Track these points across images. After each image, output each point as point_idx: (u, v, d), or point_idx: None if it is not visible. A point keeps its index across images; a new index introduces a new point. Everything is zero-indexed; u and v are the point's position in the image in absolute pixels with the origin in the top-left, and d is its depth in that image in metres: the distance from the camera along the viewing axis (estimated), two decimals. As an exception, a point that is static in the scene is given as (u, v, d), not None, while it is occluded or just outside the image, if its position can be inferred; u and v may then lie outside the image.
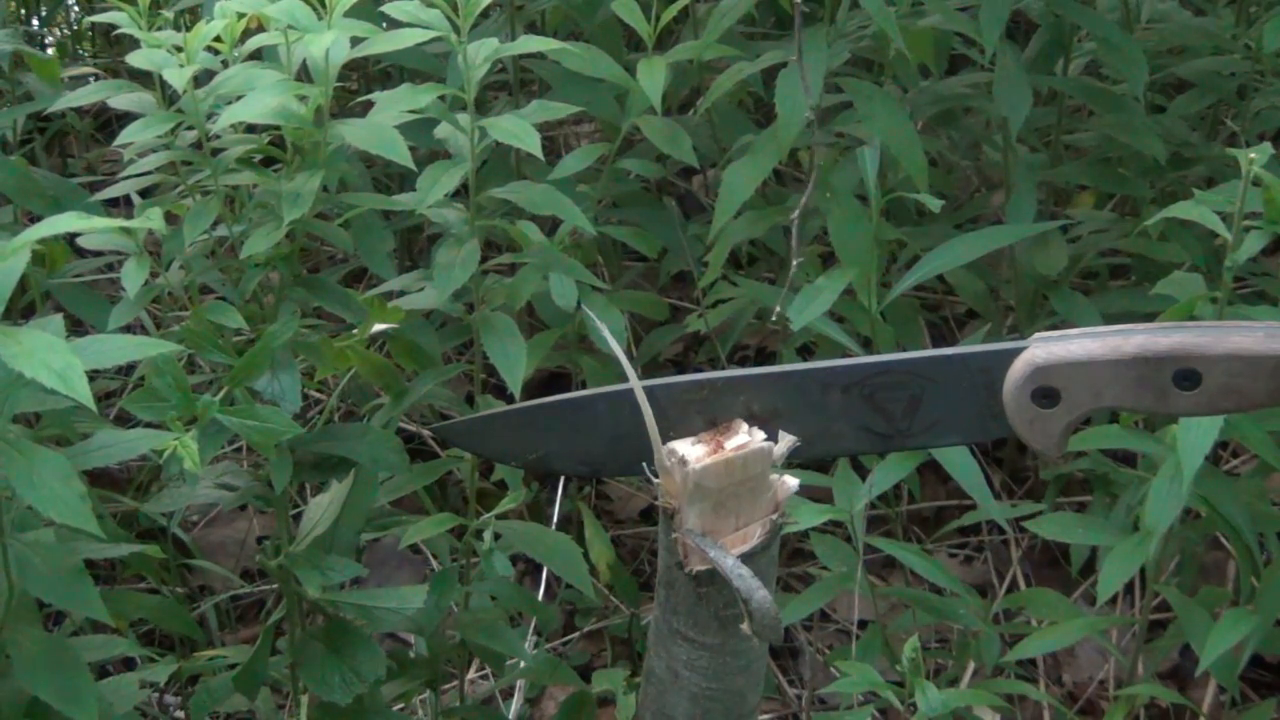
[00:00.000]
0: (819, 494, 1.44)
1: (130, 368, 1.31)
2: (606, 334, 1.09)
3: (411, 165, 1.13)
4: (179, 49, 1.13)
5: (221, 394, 1.05)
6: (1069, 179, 1.83)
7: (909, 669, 1.20)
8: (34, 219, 0.95)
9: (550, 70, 1.62)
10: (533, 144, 1.17)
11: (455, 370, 1.30)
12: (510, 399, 1.21)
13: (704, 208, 1.96)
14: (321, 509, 1.23)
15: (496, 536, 1.31)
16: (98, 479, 1.61)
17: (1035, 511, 1.49)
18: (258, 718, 1.48)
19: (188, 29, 1.14)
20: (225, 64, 1.15)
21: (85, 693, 0.97)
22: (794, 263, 1.52)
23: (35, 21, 2.08)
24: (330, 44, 1.10)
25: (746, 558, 1.06)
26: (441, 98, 1.18)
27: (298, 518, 1.25)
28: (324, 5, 1.13)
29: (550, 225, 1.34)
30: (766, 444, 1.06)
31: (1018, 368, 1.05)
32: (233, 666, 1.26)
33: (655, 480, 1.05)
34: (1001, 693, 1.40)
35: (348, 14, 1.13)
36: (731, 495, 1.06)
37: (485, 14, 1.30)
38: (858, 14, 1.61)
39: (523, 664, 1.43)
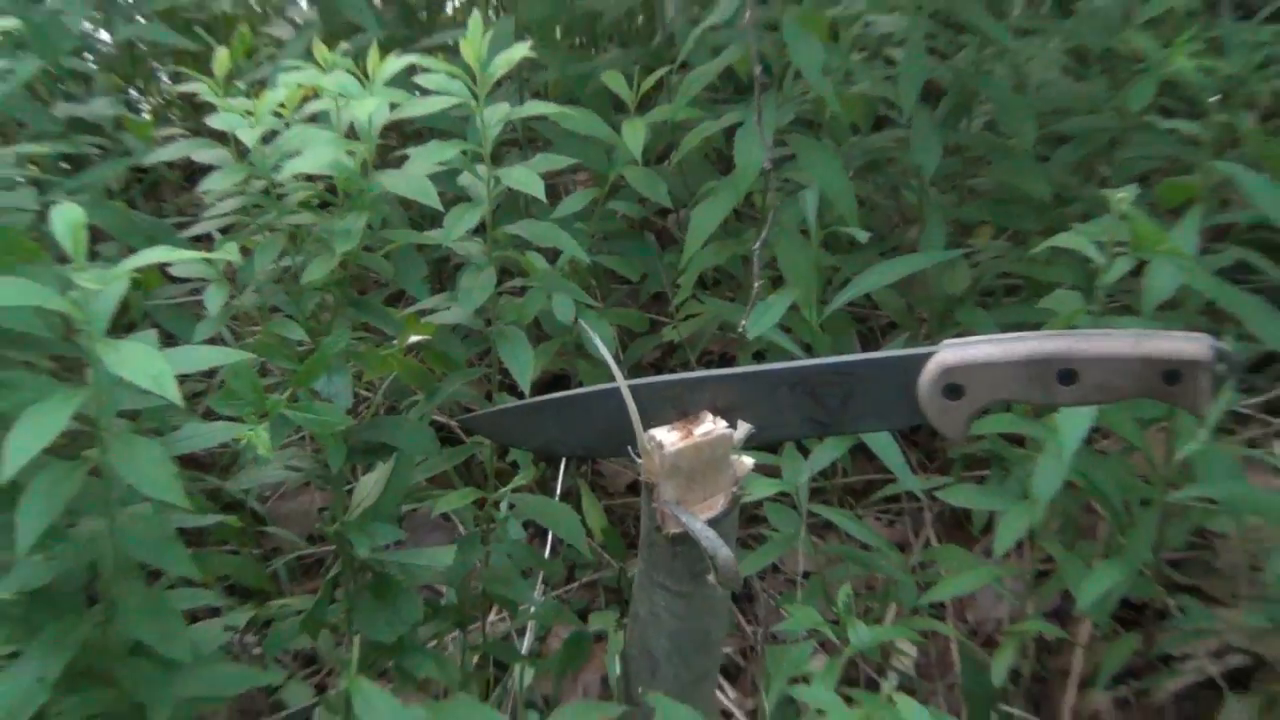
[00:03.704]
0: (770, 470, 1.44)
1: (213, 372, 1.31)
2: (598, 342, 1.09)
3: (440, 207, 1.13)
4: (249, 113, 1.13)
5: (288, 393, 1.05)
6: (972, 215, 1.83)
7: (843, 610, 1.20)
8: (133, 252, 0.94)
9: (552, 129, 1.63)
10: (538, 190, 1.17)
11: (476, 373, 1.30)
12: (521, 396, 1.21)
13: (677, 240, 1.96)
14: (369, 485, 1.23)
15: (511, 506, 1.31)
16: (187, 462, 1.61)
17: (945, 483, 1.49)
18: (319, 654, 1.48)
19: (256, 97, 1.14)
20: (287, 125, 1.15)
21: (179, 635, 0.97)
22: (755, 285, 1.52)
23: (133, 91, 2.08)
24: (373, 109, 1.10)
25: (712, 522, 1.06)
26: (464, 152, 1.18)
27: (350, 492, 1.25)
28: (367, 77, 1.13)
29: (553, 255, 1.34)
30: (728, 431, 1.06)
31: (930, 368, 1.05)
32: (299, 613, 1.26)
33: (638, 460, 1.05)
34: (918, 629, 1.40)
35: (387, 84, 1.13)
36: (700, 472, 1.06)
37: (499, 84, 1.29)
38: (800, 82, 1.61)
39: (533, 609, 1.43)
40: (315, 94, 1.15)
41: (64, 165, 1.60)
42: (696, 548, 1.05)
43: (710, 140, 1.68)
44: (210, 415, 1.07)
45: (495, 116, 1.17)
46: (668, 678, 1.17)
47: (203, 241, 1.41)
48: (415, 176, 1.13)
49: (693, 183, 1.76)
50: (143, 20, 1.71)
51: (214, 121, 1.14)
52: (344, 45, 1.25)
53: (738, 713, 1.55)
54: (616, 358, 1.14)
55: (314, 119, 1.16)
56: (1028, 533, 1.45)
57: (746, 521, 1.73)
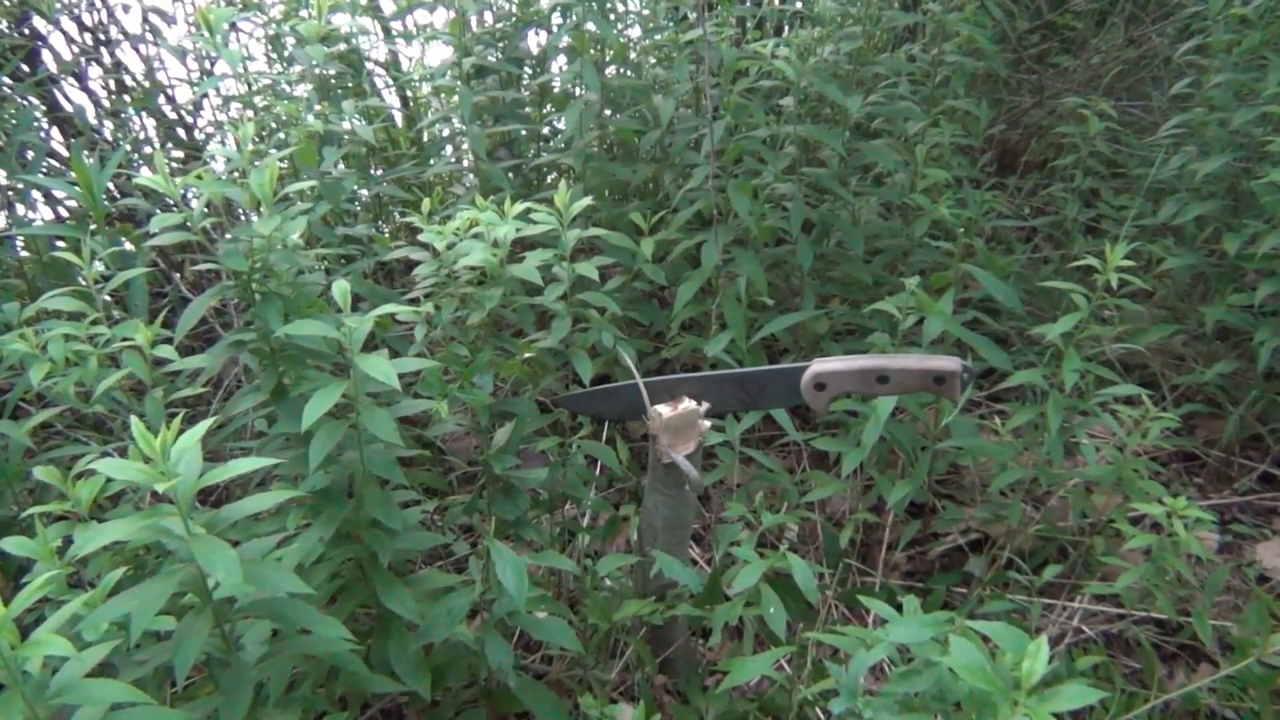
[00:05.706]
0: (718, 428, 1.43)
1: (418, 372, 1.30)
2: (626, 358, 1.08)
3: (542, 284, 1.13)
4: (440, 233, 1.12)
5: (458, 383, 1.04)
6: (829, 291, 1.82)
7: (759, 505, 1.19)
8: (376, 308, 0.94)
9: (603, 244, 1.62)
10: (594, 275, 1.17)
11: (560, 374, 1.29)
12: (584, 386, 1.20)
13: (670, 304, 1.95)
14: (502, 434, 1.22)
15: (577, 446, 1.30)
16: (404, 421, 1.59)
17: (814, 436, 1.48)
18: (473, 526, 1.46)
19: (444, 224, 1.13)
20: (460, 239, 1.15)
21: (396, 515, 0.96)
22: (713, 328, 1.51)
23: (378, 222, 2.07)
24: (506, 231, 1.10)
25: (689, 456, 1.04)
26: (555, 255, 1.17)
27: (491, 438, 1.24)
28: (504, 214, 1.12)
29: (602, 309, 1.33)
30: (697, 407, 1.05)
31: (807, 374, 1.03)
32: (463, 504, 1.24)
33: (649, 421, 1.04)
34: (800, 517, 1.38)
35: (515, 218, 1.12)
36: (681, 429, 1.05)
37: (574, 219, 1.28)
38: (737, 219, 1.60)
39: (589, 502, 1.41)
40: (476, 223, 1.14)
41: (341, 260, 1.59)
42: (679, 470, 1.04)
43: (687, 250, 1.67)
44: (417, 395, 1.06)
45: (572, 236, 1.16)
46: (662, 542, 1.16)
47: (414, 302, 1.41)
48: (529, 267, 1.13)
49: (678, 273, 1.75)
50: (385, 184, 1.71)
51: (422, 237, 1.13)
52: (492, 197, 1.24)
53: (701, 562, 1.54)
54: (636, 367, 1.13)
55: (476, 236, 1.15)
56: (859, 464, 1.43)
57: (706, 456, 1.71)
